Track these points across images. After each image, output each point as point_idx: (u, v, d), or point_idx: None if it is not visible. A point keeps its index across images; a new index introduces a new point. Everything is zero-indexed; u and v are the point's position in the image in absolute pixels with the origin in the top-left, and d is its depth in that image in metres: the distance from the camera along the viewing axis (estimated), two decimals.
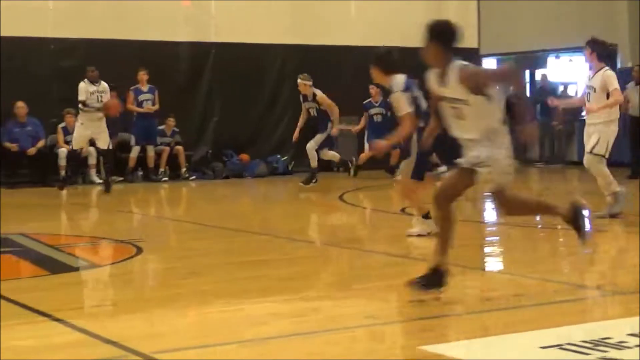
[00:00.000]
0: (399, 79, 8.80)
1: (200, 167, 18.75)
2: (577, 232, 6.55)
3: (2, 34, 16.83)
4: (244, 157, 18.84)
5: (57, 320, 5.72)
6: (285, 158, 19.18)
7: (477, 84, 6.13)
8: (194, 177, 18.35)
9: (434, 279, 6.27)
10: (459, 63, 6.22)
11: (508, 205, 6.48)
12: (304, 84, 15.45)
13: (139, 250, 8.70)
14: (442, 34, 6.26)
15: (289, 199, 15.67)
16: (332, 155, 15.97)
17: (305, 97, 15.56)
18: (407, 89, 8.77)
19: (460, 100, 6.19)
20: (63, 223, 12.52)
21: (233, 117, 18.82)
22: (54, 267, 8.21)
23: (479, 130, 6.21)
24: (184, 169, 18.27)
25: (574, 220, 6.54)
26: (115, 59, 17.64)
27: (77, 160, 15.72)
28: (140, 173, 17.99)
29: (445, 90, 6.29)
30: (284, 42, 19.36)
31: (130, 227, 11.49)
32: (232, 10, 18.93)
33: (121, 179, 17.63)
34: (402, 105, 8.64)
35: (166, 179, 17.97)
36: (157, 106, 17.95)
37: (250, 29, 19.04)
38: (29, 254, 8.76)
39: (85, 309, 6.39)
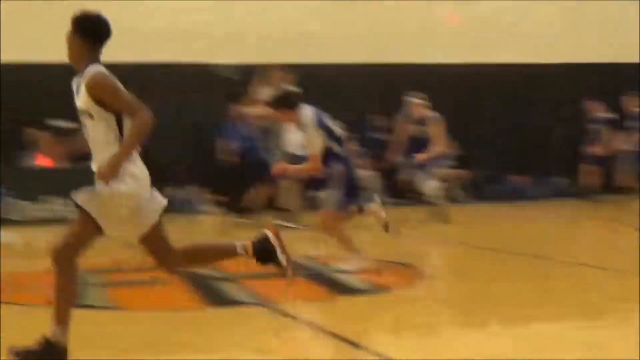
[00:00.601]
0: (307, 113, 8.82)
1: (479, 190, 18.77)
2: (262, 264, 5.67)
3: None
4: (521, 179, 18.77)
5: (354, 344, 5.92)
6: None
7: (106, 99, 5.07)
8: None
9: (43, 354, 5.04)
10: (96, 68, 5.13)
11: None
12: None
13: (420, 274, 8.83)
14: (90, 28, 5.18)
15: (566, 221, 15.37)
16: None
17: None
18: (319, 122, 8.85)
19: (86, 113, 5.14)
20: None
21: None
22: (341, 289, 8.43)
23: (100, 158, 5.14)
24: (458, 191, 18.16)
25: (261, 254, 5.61)
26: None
27: None
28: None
29: (77, 99, 5.20)
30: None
31: (405, 250, 11.37)
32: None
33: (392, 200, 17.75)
34: (314, 145, 8.82)
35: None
36: None
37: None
38: (318, 276, 9.05)
39: (380, 332, 6.57)
